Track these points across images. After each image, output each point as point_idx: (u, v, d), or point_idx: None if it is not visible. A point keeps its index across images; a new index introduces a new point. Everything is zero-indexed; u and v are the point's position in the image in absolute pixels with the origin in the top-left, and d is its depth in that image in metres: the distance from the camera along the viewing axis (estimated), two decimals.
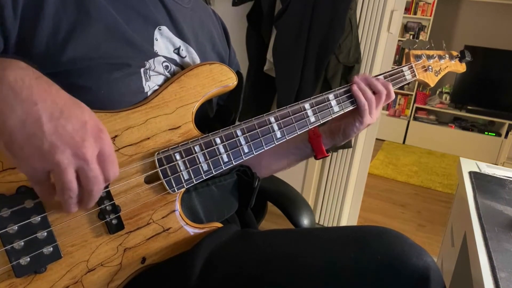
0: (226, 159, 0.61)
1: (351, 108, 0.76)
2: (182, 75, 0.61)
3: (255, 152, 0.64)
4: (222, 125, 0.63)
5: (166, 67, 0.62)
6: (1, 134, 0.40)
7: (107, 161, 0.45)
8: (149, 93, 0.59)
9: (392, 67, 0.86)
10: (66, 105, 0.43)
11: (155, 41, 0.61)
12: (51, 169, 0.41)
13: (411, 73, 0.87)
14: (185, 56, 0.66)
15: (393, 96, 0.78)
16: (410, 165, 3.50)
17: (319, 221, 2.13)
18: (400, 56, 4.01)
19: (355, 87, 0.75)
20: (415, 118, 4.23)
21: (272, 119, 0.66)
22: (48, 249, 0.47)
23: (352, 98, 0.75)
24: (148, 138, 0.56)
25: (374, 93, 0.76)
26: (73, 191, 0.43)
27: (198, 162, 0.59)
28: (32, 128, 0.40)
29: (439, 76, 0.95)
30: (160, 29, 0.62)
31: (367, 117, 0.75)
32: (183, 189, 0.59)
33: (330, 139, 0.80)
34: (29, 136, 0.40)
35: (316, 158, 0.81)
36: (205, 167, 0.59)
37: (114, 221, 0.52)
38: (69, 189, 0.43)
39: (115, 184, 0.53)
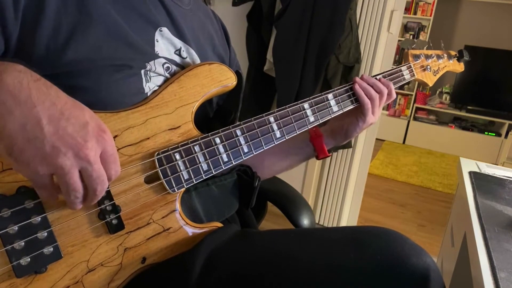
0: (225, 159, 0.61)
1: (350, 107, 0.76)
2: (181, 75, 0.61)
3: (255, 152, 0.64)
4: (222, 125, 0.63)
5: (167, 68, 0.62)
6: (1, 138, 0.39)
7: (109, 160, 0.45)
8: (149, 94, 0.59)
9: (392, 67, 0.86)
10: (66, 106, 0.42)
11: (155, 42, 0.61)
12: (54, 172, 0.41)
13: (409, 72, 0.87)
14: (186, 57, 0.66)
15: (394, 95, 0.78)
16: (410, 165, 3.50)
17: (319, 221, 2.13)
18: (400, 56, 4.01)
19: (357, 86, 0.75)
20: (415, 118, 4.23)
21: (272, 119, 0.66)
22: (48, 249, 0.47)
23: (352, 97, 0.76)
24: (148, 138, 0.56)
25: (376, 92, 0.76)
26: (79, 191, 0.44)
27: (198, 162, 0.59)
28: (33, 131, 0.39)
29: (438, 76, 0.95)
30: (161, 31, 0.62)
31: (370, 116, 0.76)
32: (183, 189, 0.59)
33: (331, 139, 0.80)
34: (30, 140, 0.39)
35: (317, 158, 0.81)
36: (205, 167, 0.59)
37: (114, 221, 0.53)
38: (74, 190, 0.43)
39: (115, 184, 0.53)
